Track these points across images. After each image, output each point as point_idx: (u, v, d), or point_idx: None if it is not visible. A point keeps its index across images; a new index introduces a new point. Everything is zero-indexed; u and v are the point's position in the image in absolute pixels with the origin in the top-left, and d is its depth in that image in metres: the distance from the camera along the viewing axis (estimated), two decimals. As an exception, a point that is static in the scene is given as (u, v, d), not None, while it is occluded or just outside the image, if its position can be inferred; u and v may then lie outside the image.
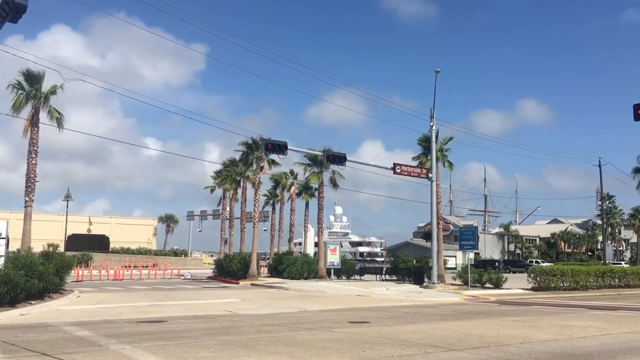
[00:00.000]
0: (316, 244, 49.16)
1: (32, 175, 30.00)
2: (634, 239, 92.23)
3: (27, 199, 29.89)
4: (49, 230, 74.61)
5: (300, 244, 62.18)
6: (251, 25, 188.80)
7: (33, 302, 19.45)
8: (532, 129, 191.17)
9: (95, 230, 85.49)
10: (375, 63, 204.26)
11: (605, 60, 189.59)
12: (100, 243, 76.16)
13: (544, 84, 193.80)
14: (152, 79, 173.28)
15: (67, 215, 65.48)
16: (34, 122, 30.06)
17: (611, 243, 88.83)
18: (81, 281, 38.09)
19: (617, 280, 34.74)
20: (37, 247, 29.97)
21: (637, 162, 50.47)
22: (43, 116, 30.43)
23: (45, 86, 30.17)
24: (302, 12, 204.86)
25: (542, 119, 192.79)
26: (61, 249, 56.18)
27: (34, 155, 30.05)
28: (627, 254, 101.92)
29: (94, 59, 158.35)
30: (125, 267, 55.82)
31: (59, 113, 30.69)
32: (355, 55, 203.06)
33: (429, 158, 36.80)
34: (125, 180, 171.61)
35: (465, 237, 35.51)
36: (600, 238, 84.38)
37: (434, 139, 35.87)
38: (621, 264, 66.14)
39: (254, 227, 42.15)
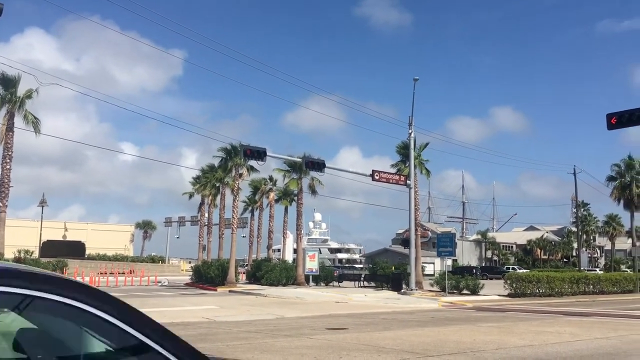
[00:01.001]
0: (295, 251, 49.06)
1: (7, 180, 29.57)
2: (608, 246, 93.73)
3: (0, 204, 29.43)
4: (23, 237, 73.27)
5: (279, 250, 62.03)
6: (227, 31, 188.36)
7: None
8: (508, 136, 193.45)
9: (71, 237, 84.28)
10: (351, 70, 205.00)
11: (579, 70, 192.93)
12: (75, 249, 75.07)
13: (519, 92, 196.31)
14: (128, 84, 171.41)
15: (42, 221, 64.48)
16: (9, 126, 29.66)
17: (586, 250, 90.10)
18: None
19: (591, 286, 35.29)
20: (11, 253, 29.48)
21: (611, 170, 51.21)
22: (18, 120, 30.06)
23: (20, 90, 29.81)
24: (276, 18, 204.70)
25: (517, 126, 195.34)
26: (36, 255, 55.29)
27: (8, 160, 29.65)
28: (602, 261, 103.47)
29: (69, 63, 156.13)
30: (102, 273, 55.07)
31: (34, 117, 30.33)
32: (330, 62, 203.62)
33: (407, 165, 37.06)
34: (100, 185, 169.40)
35: (443, 244, 35.79)
36: (575, 245, 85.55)
37: (412, 146, 36.14)
38: (596, 270, 67.15)
39: (232, 233, 41.96)
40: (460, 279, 34.29)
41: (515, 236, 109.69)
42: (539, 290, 31.92)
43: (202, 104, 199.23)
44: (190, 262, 78.34)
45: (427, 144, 40.24)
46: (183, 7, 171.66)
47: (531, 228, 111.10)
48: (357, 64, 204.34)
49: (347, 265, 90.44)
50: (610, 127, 18.62)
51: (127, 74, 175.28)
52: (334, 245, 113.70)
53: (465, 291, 32.71)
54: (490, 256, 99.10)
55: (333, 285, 43.07)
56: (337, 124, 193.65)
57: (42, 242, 65.66)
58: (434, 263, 70.24)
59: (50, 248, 68.34)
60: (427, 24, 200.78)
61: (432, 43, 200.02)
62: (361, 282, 42.93)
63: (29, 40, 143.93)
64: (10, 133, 29.66)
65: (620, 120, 18.36)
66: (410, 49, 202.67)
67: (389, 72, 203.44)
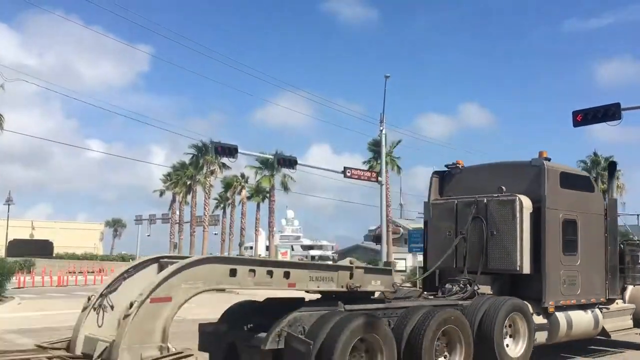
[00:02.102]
0: (267, 248, 49.04)
1: (-29, 178, 28.88)
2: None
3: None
4: (-12, 236, 71.86)
5: (251, 247, 61.85)
6: (194, 26, 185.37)
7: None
8: (475, 132, 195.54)
9: (39, 235, 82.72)
10: (317, 66, 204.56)
11: (545, 68, 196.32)
12: (43, 248, 73.70)
13: (485, 88, 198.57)
14: (92, 80, 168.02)
15: (8, 220, 63.17)
16: (-27, 123, 28.98)
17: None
18: (23, 288, 36.77)
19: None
20: (-24, 252, 28.81)
21: (577, 166, 52.29)
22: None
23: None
24: (240, 12, 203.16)
25: (484, 122, 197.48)
26: (2, 254, 54.13)
27: (-28, 158, 28.95)
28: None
29: (31, 58, 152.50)
30: (70, 272, 54.20)
31: (-1, 114, 29.67)
32: (297, 58, 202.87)
33: (379, 162, 37.31)
34: (67, 183, 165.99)
35: (415, 240, 36.07)
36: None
37: (383, 143, 36.38)
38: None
39: (204, 231, 41.77)
40: (431, 275, 34.67)
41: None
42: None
43: (169, 101, 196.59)
44: (161, 260, 77.42)
45: (399, 142, 40.73)
46: (149, 1, 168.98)
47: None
48: (324, 61, 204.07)
49: (319, 261, 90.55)
50: (576, 124, 19.02)
51: (91, 70, 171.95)
52: (307, 242, 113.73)
53: (436, 286, 33.08)
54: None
55: (305, 282, 43.16)
56: (306, 121, 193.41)
57: (8, 241, 64.29)
58: (405, 259, 70.77)
59: (17, 247, 67.00)
60: (393, 20, 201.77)
61: (398, 39, 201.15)
62: (333, 279, 43.12)
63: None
64: (-25, 130, 28.98)
65: (585, 117, 18.77)
66: (376, 45, 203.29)
67: (356, 68, 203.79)
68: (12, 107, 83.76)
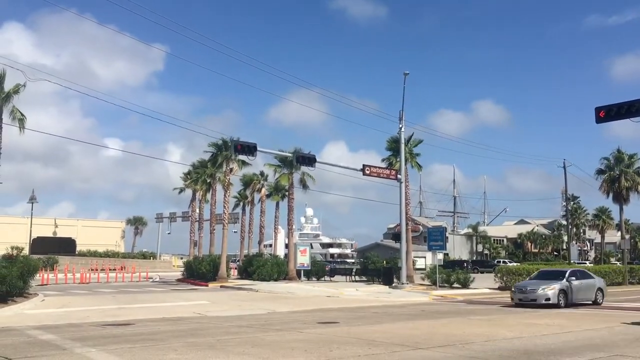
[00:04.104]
0: (286, 246, 49.04)
1: (-5, 177, 29.35)
2: (598, 239, 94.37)
3: (-11, 201, 29.23)
4: (12, 234, 72.88)
5: (270, 245, 62.02)
6: (208, 26, 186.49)
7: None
8: (490, 130, 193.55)
9: (61, 233, 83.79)
10: (327, 64, 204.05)
11: (566, 64, 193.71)
12: (66, 246, 74.67)
13: (501, 85, 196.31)
14: (108, 79, 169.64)
15: (31, 218, 64.08)
16: (-3, 122, 29.42)
17: (576, 243, 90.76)
18: (46, 285, 37.35)
19: (580, 279, 35.51)
20: (1, 250, 29.28)
21: (600, 163, 51.44)
22: (4, 117, 29.76)
23: (5, 86, 29.50)
24: (253, 11, 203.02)
25: (499, 120, 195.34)
26: (26, 252, 54.96)
27: (-3, 157, 29.40)
28: (592, 254, 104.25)
29: (48, 58, 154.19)
30: (92, 270, 54.89)
31: (21, 114, 30.03)
32: (308, 56, 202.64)
33: (398, 159, 37.12)
34: (86, 182, 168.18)
35: (434, 238, 35.90)
36: (565, 238, 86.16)
37: (403, 140, 36.19)
38: (585, 263, 67.65)
39: (223, 228, 41.89)
40: (451, 273, 34.43)
41: (506, 230, 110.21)
42: (529, 283, 32.10)
43: (184, 99, 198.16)
44: (181, 258, 78.14)
45: (420, 141, 40.49)
46: (163, 1, 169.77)
47: (522, 222, 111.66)
48: (337, 58, 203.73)
49: (338, 260, 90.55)
50: (599, 120, 18.69)
51: (106, 69, 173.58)
52: (326, 240, 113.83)
53: (456, 285, 32.86)
54: (481, 250, 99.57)
55: (324, 280, 43.14)
56: (321, 119, 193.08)
57: (32, 238, 65.23)
58: (425, 257, 70.40)
59: (40, 245, 67.93)
60: (402, 17, 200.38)
61: (412, 36, 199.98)
62: (353, 277, 43.02)
63: (8, 36, 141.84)
64: (-1, 129, 29.42)
65: (608, 113, 18.44)
66: (387, 41, 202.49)
67: (368, 65, 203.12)
68: (32, 106, 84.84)
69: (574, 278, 22.04)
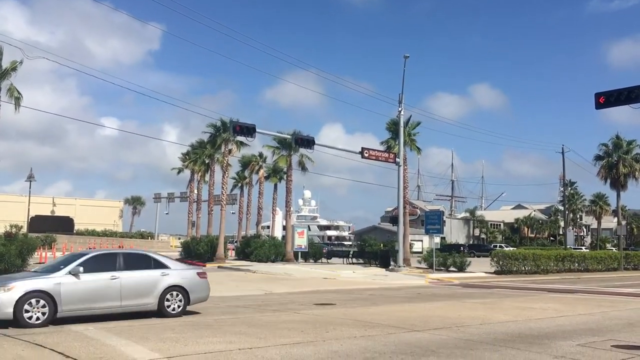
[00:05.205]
0: (284, 227, 49.22)
1: (-7, 155, 29.27)
2: (595, 225, 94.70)
3: (-13, 179, 29.16)
4: (10, 212, 72.95)
5: (268, 227, 62.18)
6: (204, 4, 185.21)
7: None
8: (486, 114, 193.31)
9: (59, 212, 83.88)
10: (324, 47, 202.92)
11: (565, 50, 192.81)
12: (64, 225, 74.82)
13: (498, 69, 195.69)
14: (103, 57, 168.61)
15: (30, 196, 64.05)
16: (-6, 100, 29.28)
17: (572, 229, 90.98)
18: (44, 263, 37.42)
19: (576, 264, 35.75)
20: (0, 228, 29.31)
21: (598, 149, 51.49)
22: (2, 94, 29.63)
23: (3, 63, 29.34)
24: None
25: (495, 104, 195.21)
26: (24, 230, 55.04)
27: (-5, 134, 29.30)
28: (588, 240, 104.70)
29: (42, 35, 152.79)
30: (90, 249, 55.06)
31: (18, 92, 29.86)
32: (304, 40, 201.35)
33: (397, 143, 37.08)
34: (83, 161, 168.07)
35: (431, 222, 36.03)
36: (562, 224, 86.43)
37: (402, 124, 36.11)
38: (581, 249, 68.00)
39: (221, 209, 41.97)
40: (448, 256, 34.59)
41: (503, 214, 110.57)
42: (524, 268, 32.31)
43: (180, 79, 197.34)
44: (179, 238, 78.44)
45: (418, 123, 40.30)
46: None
47: (519, 206, 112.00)
48: (333, 42, 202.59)
49: (336, 242, 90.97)
50: (598, 106, 18.61)
51: (102, 47, 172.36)
52: (324, 222, 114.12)
53: (452, 268, 33.03)
54: (478, 234, 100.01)
55: (322, 262, 43.35)
56: (317, 101, 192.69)
57: (30, 217, 65.28)
58: (422, 241, 70.78)
59: (38, 223, 68.05)
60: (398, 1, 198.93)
61: (409, 20, 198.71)
62: (350, 259, 43.23)
63: (1, 12, 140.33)
64: (-3, 107, 29.29)
65: (608, 99, 18.39)
66: (385, 26, 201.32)
67: (364, 49, 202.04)
68: (27, 84, 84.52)
69: (86, 267, 11.83)
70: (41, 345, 8.87)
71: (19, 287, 10.96)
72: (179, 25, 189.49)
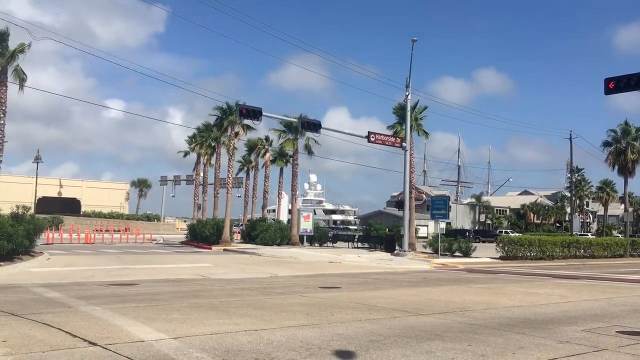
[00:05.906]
0: (290, 211, 49.34)
1: (1, 136, 29.38)
2: (601, 212, 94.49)
3: (-5, 159, 29.33)
4: (17, 193, 73.43)
5: (274, 210, 62.36)
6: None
7: (2, 264, 19.29)
8: (493, 98, 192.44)
9: (66, 194, 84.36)
10: (328, 30, 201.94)
11: (573, 34, 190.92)
12: (71, 206, 75.31)
13: (504, 54, 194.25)
14: (107, 39, 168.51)
15: (37, 178, 64.39)
16: (1, 81, 29.28)
17: (579, 215, 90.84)
18: (51, 244, 37.75)
19: (582, 250, 35.72)
20: (6, 209, 29.51)
21: (607, 135, 51.18)
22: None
23: (9, 45, 29.29)
24: None
25: (502, 89, 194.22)
26: (31, 211, 55.34)
27: (2, 115, 29.37)
28: (594, 226, 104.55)
29: (46, 16, 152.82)
30: (97, 230, 55.42)
31: (24, 74, 29.85)
32: (308, 22, 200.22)
33: (403, 127, 36.95)
34: (89, 143, 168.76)
35: (437, 207, 36.00)
36: (568, 210, 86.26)
37: (409, 108, 35.97)
38: (588, 235, 67.88)
39: (227, 193, 42.08)
40: (453, 242, 34.62)
41: (509, 200, 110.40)
42: (530, 254, 32.31)
43: (184, 61, 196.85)
44: (185, 221, 78.78)
45: (425, 107, 40.12)
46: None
47: (525, 192, 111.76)
48: (338, 25, 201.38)
49: (341, 226, 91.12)
50: (608, 92, 18.43)
51: (106, 28, 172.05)
52: (329, 206, 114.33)
53: (457, 253, 33.07)
54: (483, 220, 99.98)
55: (327, 246, 43.48)
56: (321, 85, 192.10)
57: (37, 198, 65.66)
58: (427, 226, 70.83)
59: (45, 204, 68.49)
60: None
61: (414, 3, 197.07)
62: (355, 243, 43.34)
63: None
64: (3, 88, 29.30)
65: (618, 85, 18.20)
66: (390, 9, 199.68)
67: (369, 32, 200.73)
68: (32, 65, 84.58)
69: None
70: (48, 325, 8.94)
71: None
72: (183, 7, 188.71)
